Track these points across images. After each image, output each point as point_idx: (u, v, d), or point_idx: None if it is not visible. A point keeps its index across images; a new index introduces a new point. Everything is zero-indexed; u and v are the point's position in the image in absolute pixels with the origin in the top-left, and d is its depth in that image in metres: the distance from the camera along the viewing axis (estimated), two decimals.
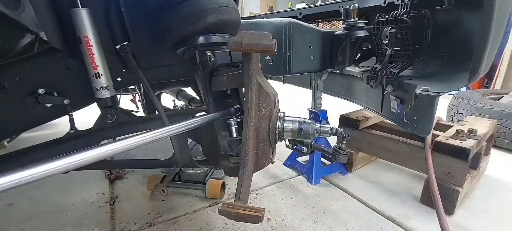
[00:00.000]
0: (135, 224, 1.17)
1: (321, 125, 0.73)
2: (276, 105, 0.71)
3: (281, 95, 0.78)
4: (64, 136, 0.89)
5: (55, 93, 0.82)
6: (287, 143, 0.85)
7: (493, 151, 1.66)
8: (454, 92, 2.44)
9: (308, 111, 1.59)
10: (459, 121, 1.88)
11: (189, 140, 0.91)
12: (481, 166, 1.43)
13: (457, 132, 1.26)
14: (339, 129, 0.74)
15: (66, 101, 0.83)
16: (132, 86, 1.90)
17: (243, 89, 0.66)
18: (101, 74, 0.79)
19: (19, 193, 1.41)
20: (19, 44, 0.98)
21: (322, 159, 1.58)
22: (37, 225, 1.18)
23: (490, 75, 3.52)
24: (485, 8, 0.70)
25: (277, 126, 0.69)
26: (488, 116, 1.87)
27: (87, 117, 1.05)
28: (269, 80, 0.76)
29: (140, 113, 1.87)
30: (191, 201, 1.32)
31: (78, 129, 0.89)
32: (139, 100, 2.09)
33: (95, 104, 0.91)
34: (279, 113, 0.71)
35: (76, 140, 0.88)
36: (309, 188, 1.45)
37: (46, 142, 0.89)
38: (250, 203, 1.31)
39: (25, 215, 1.24)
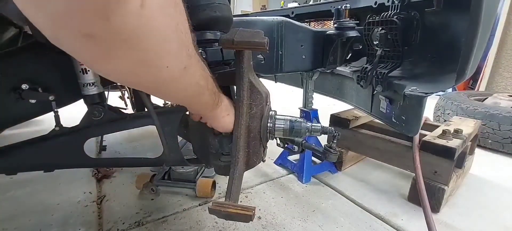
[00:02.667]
0: (123, 223, 1.15)
1: (312, 124, 0.74)
2: (268, 103, 0.71)
3: (273, 94, 0.78)
4: (49, 133, 0.86)
5: (39, 89, 0.79)
6: (278, 142, 0.85)
7: (477, 151, 1.71)
8: (440, 93, 2.50)
9: (299, 110, 1.59)
10: (445, 121, 1.93)
11: (179, 138, 0.90)
12: (466, 165, 1.47)
13: (444, 131, 1.29)
14: (330, 128, 0.74)
15: (51, 98, 0.80)
16: None
17: (235, 87, 0.65)
18: (88, 70, 0.77)
19: (1, 192, 1.36)
20: (1, 38, 0.94)
21: (313, 158, 1.59)
22: (21, 225, 1.14)
23: (475, 77, 3.63)
24: (472, 11, 0.72)
25: (269, 125, 0.69)
26: (473, 117, 1.93)
27: (78, 113, 1.03)
28: (261, 79, 0.76)
29: (129, 110, 1.84)
30: (181, 200, 1.31)
31: (63, 126, 0.87)
32: (128, 97, 2.05)
33: (82, 101, 0.89)
34: (270, 112, 0.71)
35: (62, 137, 0.86)
36: (300, 187, 1.46)
37: (30, 139, 0.86)
38: (241, 201, 1.31)
39: (8, 214, 1.20)
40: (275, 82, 1.65)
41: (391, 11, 1.04)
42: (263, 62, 1.13)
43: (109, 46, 0.33)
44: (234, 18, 0.80)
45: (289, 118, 0.73)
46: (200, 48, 0.68)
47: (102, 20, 0.29)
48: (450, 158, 1.19)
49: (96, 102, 0.85)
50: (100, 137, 1.81)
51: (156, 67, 0.39)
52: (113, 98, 2.07)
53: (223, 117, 0.63)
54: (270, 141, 0.73)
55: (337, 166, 1.62)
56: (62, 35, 0.31)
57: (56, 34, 0.31)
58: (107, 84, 0.89)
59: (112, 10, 0.29)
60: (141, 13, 0.32)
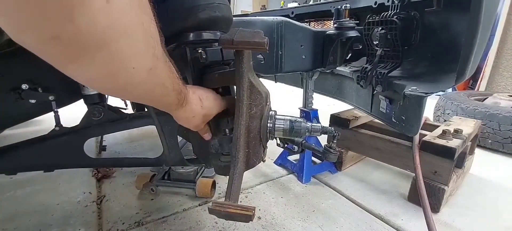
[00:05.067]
0: (123, 223, 1.15)
1: (312, 124, 0.73)
2: (268, 103, 0.71)
3: (273, 94, 0.77)
4: (49, 133, 0.86)
5: (39, 89, 0.79)
6: (278, 142, 0.84)
7: (477, 151, 1.71)
8: (440, 93, 2.50)
9: (299, 110, 1.59)
10: (445, 121, 1.93)
11: (179, 138, 0.90)
12: (466, 165, 1.47)
13: (444, 131, 1.29)
14: (330, 128, 0.74)
15: (51, 98, 0.81)
16: None
17: (235, 87, 0.65)
18: None
19: (1, 192, 1.36)
20: (1, 38, 0.94)
21: (313, 158, 1.59)
22: (20, 225, 1.14)
23: (475, 77, 3.63)
24: (472, 11, 0.72)
25: (269, 125, 0.69)
26: (473, 117, 1.93)
27: (78, 113, 1.03)
28: (261, 79, 0.76)
29: (129, 110, 1.83)
30: (181, 200, 1.31)
31: (63, 126, 0.87)
32: None
33: (82, 101, 0.89)
34: (270, 112, 0.71)
35: (62, 137, 0.86)
36: (300, 187, 1.46)
37: (30, 139, 0.86)
38: (240, 201, 1.31)
39: (8, 215, 1.20)
40: (275, 82, 1.65)
41: (391, 11, 1.04)
42: (263, 62, 1.13)
43: (76, 47, 0.31)
44: (234, 18, 0.80)
45: (289, 118, 0.72)
46: (200, 48, 0.68)
47: (67, 22, 0.28)
48: (450, 158, 1.19)
49: (96, 102, 0.85)
50: (100, 137, 1.81)
51: (123, 69, 0.37)
52: (113, 98, 2.08)
53: (188, 117, 0.62)
54: (270, 141, 0.73)
55: (337, 166, 1.62)
56: (26, 38, 0.30)
57: (20, 37, 0.30)
58: None
59: (77, 9, 0.28)
60: (107, 10, 0.30)
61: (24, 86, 0.76)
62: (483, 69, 3.53)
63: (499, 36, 3.38)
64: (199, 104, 0.62)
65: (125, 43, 0.35)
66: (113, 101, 1.06)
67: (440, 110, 2.30)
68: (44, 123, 2.03)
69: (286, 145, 0.85)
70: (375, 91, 1.16)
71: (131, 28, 0.35)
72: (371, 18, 1.08)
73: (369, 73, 1.08)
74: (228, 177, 0.63)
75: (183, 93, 0.56)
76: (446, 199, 1.27)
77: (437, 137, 1.30)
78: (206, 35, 0.71)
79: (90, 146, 1.80)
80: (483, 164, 1.74)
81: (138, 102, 0.50)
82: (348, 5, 1.24)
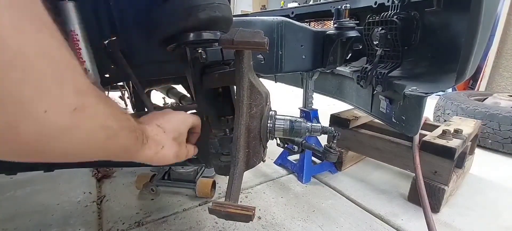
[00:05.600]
0: (123, 223, 1.15)
1: (312, 124, 0.73)
2: (268, 103, 0.71)
3: (273, 94, 0.77)
4: None
5: None
6: (278, 142, 0.84)
7: (477, 151, 1.71)
8: (440, 93, 2.50)
9: (299, 110, 1.59)
10: (445, 121, 1.93)
11: None
12: (466, 165, 1.47)
13: (444, 131, 1.29)
14: (330, 128, 0.74)
15: None
16: (121, 83, 1.87)
17: (235, 87, 0.65)
18: (88, 70, 0.76)
19: (1, 192, 1.36)
20: None
21: (313, 158, 1.59)
22: (20, 225, 1.14)
23: (475, 77, 3.63)
24: (472, 11, 0.72)
25: (269, 125, 0.69)
26: (473, 117, 1.93)
27: None
28: (261, 79, 0.76)
29: (129, 110, 1.83)
30: (181, 200, 1.31)
31: None
32: (128, 97, 2.05)
33: None
34: (270, 112, 0.71)
35: None
36: (300, 187, 1.46)
37: None
38: (240, 201, 1.31)
39: (8, 215, 1.20)
40: (275, 82, 1.65)
41: (391, 11, 1.04)
42: (263, 62, 1.13)
43: None
44: (234, 18, 0.80)
45: (289, 117, 0.72)
46: (200, 49, 0.68)
47: None
48: (450, 158, 1.19)
49: None
50: None
51: (26, 116, 0.27)
52: (113, 99, 2.07)
53: (157, 152, 0.51)
54: (270, 141, 0.73)
55: (337, 166, 1.62)
56: None
57: None
58: (107, 84, 0.89)
59: None
60: None
61: None
62: (483, 69, 3.53)
63: (499, 36, 3.38)
64: (161, 131, 0.53)
65: (21, 78, 0.25)
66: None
67: (440, 110, 2.30)
68: None
69: (286, 145, 0.85)
70: (375, 91, 1.16)
71: (28, 56, 0.25)
72: (371, 18, 1.08)
73: (369, 73, 1.08)
74: (228, 177, 0.63)
75: (139, 130, 0.46)
76: (446, 199, 1.27)
77: (437, 137, 1.30)
78: (206, 35, 0.71)
79: None
80: (483, 164, 1.74)
81: (81, 160, 0.37)
82: (348, 5, 1.24)
